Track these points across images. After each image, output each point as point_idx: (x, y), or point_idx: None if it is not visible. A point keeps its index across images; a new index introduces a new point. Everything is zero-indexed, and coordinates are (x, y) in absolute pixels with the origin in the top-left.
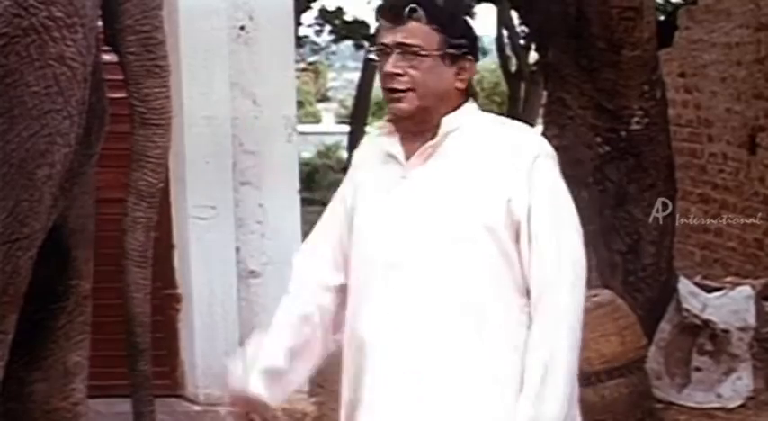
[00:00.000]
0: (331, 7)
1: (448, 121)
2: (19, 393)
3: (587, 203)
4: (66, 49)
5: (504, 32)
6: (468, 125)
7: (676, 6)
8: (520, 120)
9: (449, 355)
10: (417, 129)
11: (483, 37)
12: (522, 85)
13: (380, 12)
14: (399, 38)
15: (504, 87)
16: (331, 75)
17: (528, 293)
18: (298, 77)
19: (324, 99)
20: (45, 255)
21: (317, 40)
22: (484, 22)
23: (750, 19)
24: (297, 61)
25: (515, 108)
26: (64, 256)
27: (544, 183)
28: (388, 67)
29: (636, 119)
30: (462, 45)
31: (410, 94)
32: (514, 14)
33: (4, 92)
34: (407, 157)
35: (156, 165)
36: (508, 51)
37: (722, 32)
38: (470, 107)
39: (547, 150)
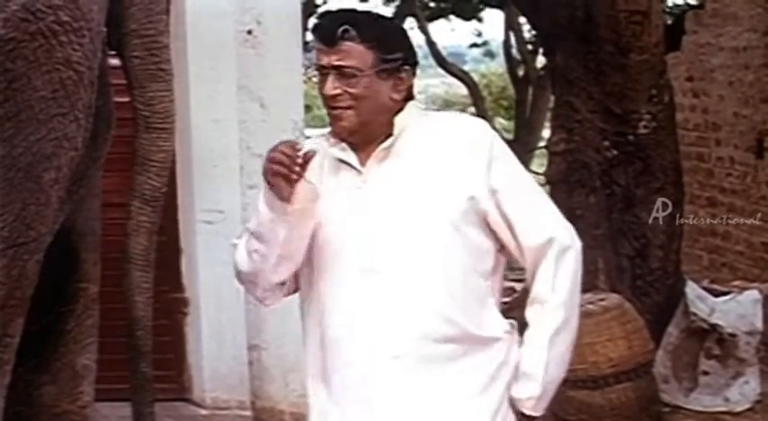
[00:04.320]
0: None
1: (398, 123)
2: (27, 396)
3: (595, 207)
4: (72, 53)
5: (512, 36)
6: (415, 124)
7: (684, 10)
8: (527, 124)
9: (426, 353)
10: (362, 141)
11: (491, 41)
12: (530, 90)
13: (313, 32)
14: (334, 60)
15: (511, 91)
16: None
17: (493, 274)
18: (305, 81)
19: None
20: (53, 259)
21: None
22: (491, 26)
23: (758, 23)
24: (304, 65)
25: (523, 112)
26: (72, 260)
27: (506, 169)
28: (328, 90)
29: (643, 123)
30: (398, 58)
31: (349, 111)
32: (522, 18)
33: (11, 96)
34: (361, 163)
35: (159, 168)
36: (516, 55)
37: (730, 36)
38: (412, 106)
39: (495, 135)
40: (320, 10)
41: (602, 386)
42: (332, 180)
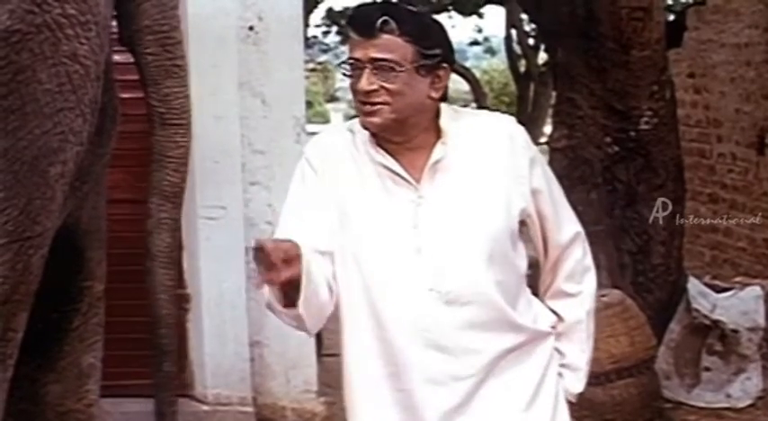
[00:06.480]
0: (338, 7)
1: (444, 129)
2: (33, 394)
3: (596, 203)
4: (79, 46)
5: (513, 33)
6: (455, 128)
7: (685, 6)
8: (529, 120)
9: (499, 366)
10: (398, 139)
11: (492, 37)
12: (532, 86)
13: (350, 23)
14: (372, 52)
15: (513, 88)
16: (340, 75)
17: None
18: (307, 77)
19: (333, 99)
20: (58, 257)
21: (327, 40)
22: (493, 22)
23: (759, 19)
24: (306, 61)
25: (524, 108)
26: (77, 258)
27: (543, 169)
28: (363, 85)
29: (645, 119)
30: (437, 54)
31: (384, 107)
32: (523, 14)
33: (16, 89)
34: (411, 175)
35: (178, 164)
36: (517, 51)
37: (731, 33)
38: (447, 109)
39: (525, 131)
40: (321, 6)
41: (604, 382)
42: (380, 187)
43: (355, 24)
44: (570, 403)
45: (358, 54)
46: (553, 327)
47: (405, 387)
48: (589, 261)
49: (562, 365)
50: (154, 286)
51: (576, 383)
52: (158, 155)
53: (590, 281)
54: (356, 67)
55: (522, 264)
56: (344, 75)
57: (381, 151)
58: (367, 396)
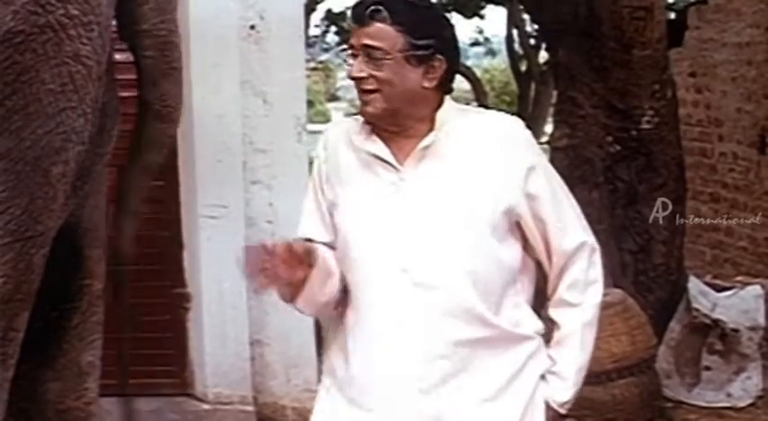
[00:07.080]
0: (338, 8)
1: (438, 120)
2: (32, 393)
3: (597, 203)
4: (81, 47)
5: (515, 32)
6: (453, 121)
7: (687, 6)
8: (530, 119)
9: (463, 356)
10: (393, 129)
11: (493, 37)
12: (533, 85)
13: (351, 11)
14: (363, 40)
15: (514, 87)
16: (341, 74)
17: (522, 272)
18: (308, 76)
19: (334, 98)
20: (58, 255)
21: (328, 39)
22: (494, 22)
23: (761, 18)
24: (307, 60)
25: (525, 107)
26: (76, 256)
27: (544, 174)
28: (353, 71)
29: (646, 118)
30: (429, 45)
31: (376, 96)
32: (525, 15)
33: (19, 89)
34: (397, 159)
35: (164, 147)
36: (518, 50)
37: (733, 32)
38: (449, 103)
39: (530, 135)
40: (320, 7)
41: (605, 381)
42: (366, 172)
43: (353, 12)
44: (567, 407)
45: (353, 41)
46: (543, 335)
47: (378, 364)
48: (596, 274)
49: (551, 373)
50: (120, 230)
51: (563, 392)
52: (148, 141)
53: (594, 293)
54: (352, 54)
55: (511, 264)
56: (345, 61)
57: (374, 138)
58: (342, 372)
